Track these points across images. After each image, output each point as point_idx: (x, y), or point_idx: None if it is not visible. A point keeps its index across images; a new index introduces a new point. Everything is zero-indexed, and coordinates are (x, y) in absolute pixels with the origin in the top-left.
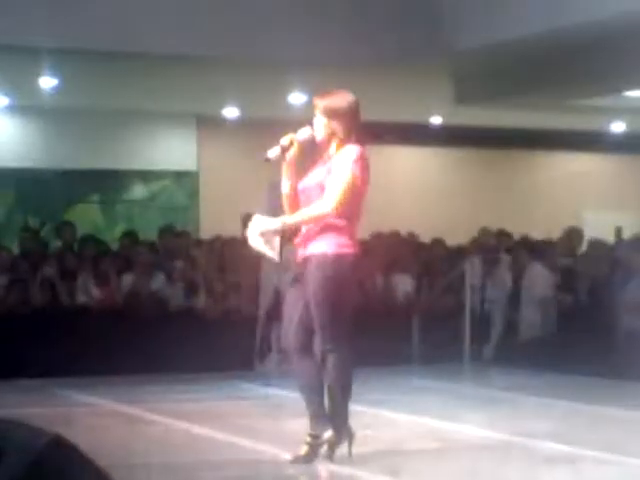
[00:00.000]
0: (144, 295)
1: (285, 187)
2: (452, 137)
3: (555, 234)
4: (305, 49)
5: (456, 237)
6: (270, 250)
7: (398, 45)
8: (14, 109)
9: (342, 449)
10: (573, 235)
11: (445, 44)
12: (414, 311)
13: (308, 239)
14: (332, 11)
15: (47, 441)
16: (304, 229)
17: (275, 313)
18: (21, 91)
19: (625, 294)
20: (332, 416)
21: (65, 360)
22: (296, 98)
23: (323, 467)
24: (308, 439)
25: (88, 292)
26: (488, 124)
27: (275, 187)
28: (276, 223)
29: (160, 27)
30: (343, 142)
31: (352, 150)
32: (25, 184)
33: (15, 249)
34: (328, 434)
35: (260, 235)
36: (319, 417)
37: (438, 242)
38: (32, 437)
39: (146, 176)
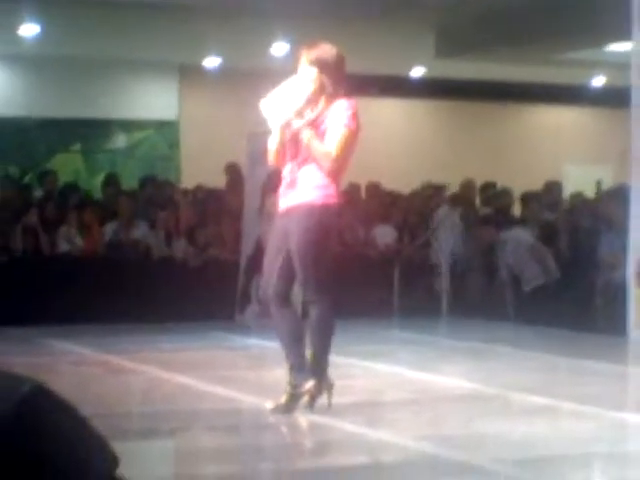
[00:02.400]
0: (126, 243)
1: (273, 143)
2: (433, 89)
3: (536, 186)
4: (288, 0)
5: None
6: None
7: None
8: None
9: (322, 399)
10: (553, 188)
11: None
12: (395, 262)
13: (294, 189)
14: None
15: (29, 388)
16: (287, 180)
17: (256, 264)
18: (2, 39)
19: (603, 247)
20: (313, 366)
21: (47, 308)
22: (278, 49)
23: (303, 417)
24: (288, 389)
25: (71, 240)
26: (469, 77)
27: (255, 137)
28: (297, 123)
29: None
30: (332, 95)
31: (346, 104)
32: (6, 133)
33: None
34: (309, 384)
35: (277, 109)
36: (299, 367)
37: (414, 194)
38: (14, 385)
39: (127, 125)
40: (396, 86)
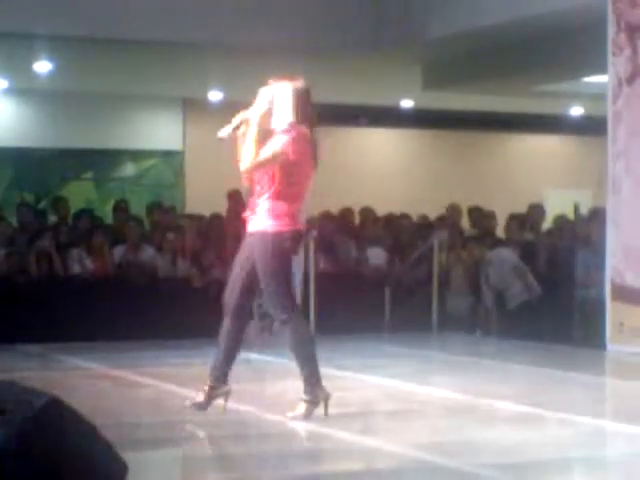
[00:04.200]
0: (134, 265)
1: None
2: (421, 119)
3: (519, 209)
4: (286, 36)
5: (425, 212)
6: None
7: (372, 34)
8: (12, 92)
9: (320, 410)
10: (536, 211)
11: (415, 34)
12: (386, 282)
13: (255, 215)
14: (312, 2)
15: (45, 401)
16: (252, 205)
17: (256, 284)
18: (18, 75)
19: (580, 265)
20: (303, 378)
21: (60, 326)
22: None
23: (302, 426)
24: (206, 388)
25: (82, 262)
26: (454, 108)
27: None
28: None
29: (148, 14)
30: (284, 122)
31: (290, 130)
32: (22, 162)
33: (13, 223)
34: (224, 389)
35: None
36: (219, 371)
37: (404, 217)
38: (31, 397)
39: (136, 155)
40: (387, 116)
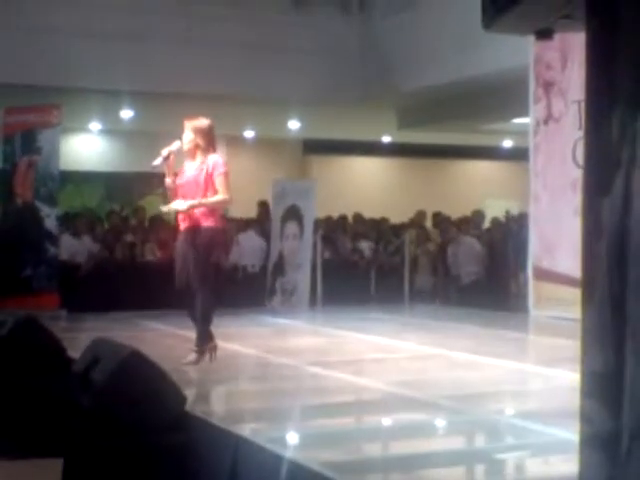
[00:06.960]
0: None
1: (168, 182)
2: (396, 151)
3: (467, 214)
4: (299, 91)
5: (399, 217)
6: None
7: (360, 89)
8: (104, 132)
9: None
10: (477, 215)
11: (391, 88)
12: (372, 267)
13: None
14: (317, 68)
15: (128, 353)
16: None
17: (280, 268)
18: (108, 120)
19: (510, 254)
20: (197, 333)
21: (139, 298)
22: (293, 124)
23: (310, 369)
24: (195, 349)
25: (154, 252)
26: (420, 142)
27: (278, 183)
28: (183, 205)
29: (202, 74)
30: (205, 151)
31: (218, 158)
32: (111, 182)
33: (105, 226)
34: (211, 345)
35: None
36: (199, 335)
37: (384, 220)
38: (118, 350)
39: None
40: (371, 148)
